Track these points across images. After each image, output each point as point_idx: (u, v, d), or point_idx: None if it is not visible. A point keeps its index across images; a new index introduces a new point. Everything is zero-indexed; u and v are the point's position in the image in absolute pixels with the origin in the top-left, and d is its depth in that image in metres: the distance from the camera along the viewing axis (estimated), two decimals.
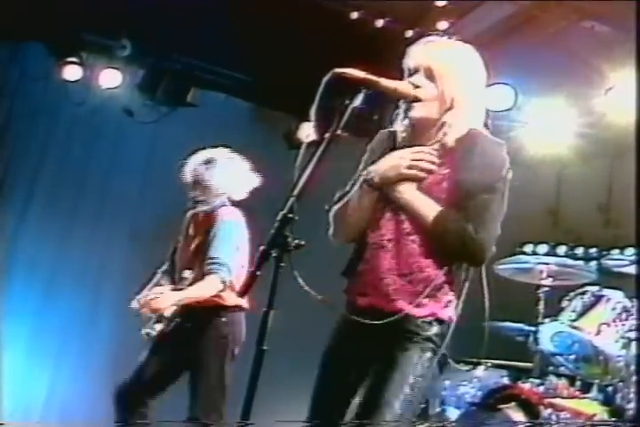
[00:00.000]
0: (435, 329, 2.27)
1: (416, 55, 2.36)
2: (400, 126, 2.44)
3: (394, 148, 2.41)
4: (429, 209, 2.25)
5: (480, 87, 2.40)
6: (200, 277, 3.85)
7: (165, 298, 3.78)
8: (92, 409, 5.67)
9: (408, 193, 2.28)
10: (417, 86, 2.30)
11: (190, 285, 3.85)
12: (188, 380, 3.84)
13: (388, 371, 2.22)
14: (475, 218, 2.22)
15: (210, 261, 3.84)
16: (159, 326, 3.82)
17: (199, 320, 3.85)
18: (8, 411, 5.50)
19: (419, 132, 2.38)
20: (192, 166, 4.07)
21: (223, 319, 3.86)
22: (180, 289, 3.88)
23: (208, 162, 4.05)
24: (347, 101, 2.18)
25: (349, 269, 2.42)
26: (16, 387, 5.62)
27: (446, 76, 2.31)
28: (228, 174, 4.05)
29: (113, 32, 5.70)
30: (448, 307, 2.30)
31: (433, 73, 2.31)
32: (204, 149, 4.15)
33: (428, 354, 2.25)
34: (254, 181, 4.11)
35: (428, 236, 2.25)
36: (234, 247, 3.90)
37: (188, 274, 3.90)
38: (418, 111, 2.32)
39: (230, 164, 4.08)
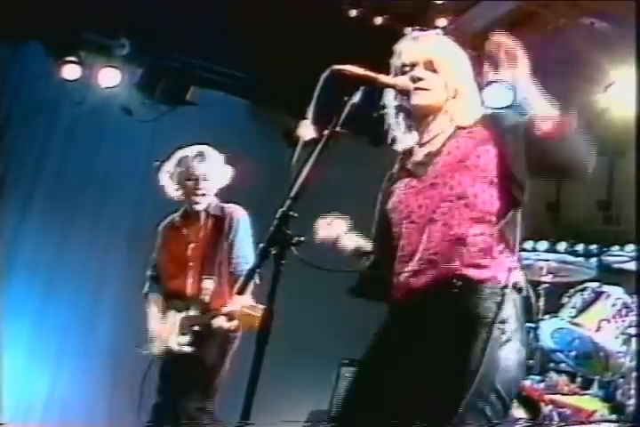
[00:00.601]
0: (503, 298, 2.11)
1: (410, 50, 2.37)
2: (399, 132, 2.42)
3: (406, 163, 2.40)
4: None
5: (471, 78, 2.42)
6: (229, 281, 3.82)
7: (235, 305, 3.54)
8: (91, 410, 5.69)
9: None
10: (419, 79, 2.31)
11: (214, 292, 3.82)
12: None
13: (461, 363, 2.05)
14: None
15: (241, 260, 3.82)
16: (185, 339, 3.79)
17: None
18: (8, 412, 5.49)
19: (424, 125, 2.37)
20: (184, 162, 3.97)
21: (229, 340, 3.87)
22: (198, 300, 3.83)
23: (200, 155, 3.97)
24: (346, 98, 2.17)
25: (386, 255, 2.34)
26: (16, 388, 5.61)
27: (448, 66, 2.33)
28: (219, 167, 4.00)
29: (112, 31, 5.69)
30: (512, 272, 2.18)
31: (434, 65, 2.32)
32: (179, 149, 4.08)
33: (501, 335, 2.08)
34: (230, 174, 4.04)
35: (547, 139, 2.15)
36: (252, 245, 3.88)
37: (209, 284, 3.83)
38: (421, 98, 2.32)
39: (217, 156, 4.02)
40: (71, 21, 5.54)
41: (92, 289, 5.96)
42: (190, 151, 4.01)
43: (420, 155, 2.37)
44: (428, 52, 2.34)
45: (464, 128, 2.32)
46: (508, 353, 2.10)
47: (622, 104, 5.30)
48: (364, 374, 2.32)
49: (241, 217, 3.96)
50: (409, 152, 2.42)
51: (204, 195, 3.96)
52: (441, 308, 2.17)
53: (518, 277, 2.20)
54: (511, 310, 2.14)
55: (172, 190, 4.02)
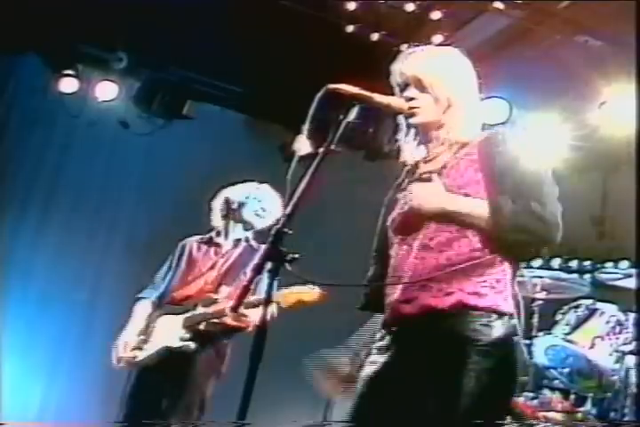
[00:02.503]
0: (498, 326, 2.10)
1: (401, 70, 2.37)
2: (409, 146, 2.42)
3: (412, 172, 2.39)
4: (477, 206, 2.16)
5: (471, 85, 2.40)
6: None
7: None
8: (85, 418, 5.67)
9: (442, 202, 2.19)
10: (410, 99, 2.32)
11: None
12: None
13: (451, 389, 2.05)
14: (532, 194, 2.13)
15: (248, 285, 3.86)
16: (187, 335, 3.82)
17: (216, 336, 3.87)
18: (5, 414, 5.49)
19: (426, 140, 2.38)
20: (240, 191, 4.10)
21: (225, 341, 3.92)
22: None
23: (256, 188, 4.10)
24: (341, 116, 2.19)
25: (377, 281, 2.34)
26: (11, 396, 5.61)
27: (436, 82, 2.32)
28: (275, 199, 4.05)
29: (109, 44, 5.72)
30: (508, 301, 2.16)
31: (423, 83, 2.32)
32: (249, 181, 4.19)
33: (492, 360, 2.07)
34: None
35: (487, 231, 2.13)
36: None
37: (224, 289, 3.90)
38: (417, 118, 2.33)
39: (274, 192, 4.08)
40: (69, 34, 5.57)
41: (87, 299, 5.97)
42: (250, 184, 4.14)
43: (423, 170, 2.37)
44: (416, 71, 2.33)
45: (465, 146, 2.31)
46: (500, 377, 2.10)
47: (616, 121, 5.33)
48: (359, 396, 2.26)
49: None
50: (415, 165, 2.42)
51: (259, 217, 4.06)
52: (432, 335, 2.14)
53: (513, 305, 2.18)
54: (505, 336, 2.12)
55: (219, 218, 4.14)
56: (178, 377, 3.82)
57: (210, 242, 4.13)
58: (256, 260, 3.84)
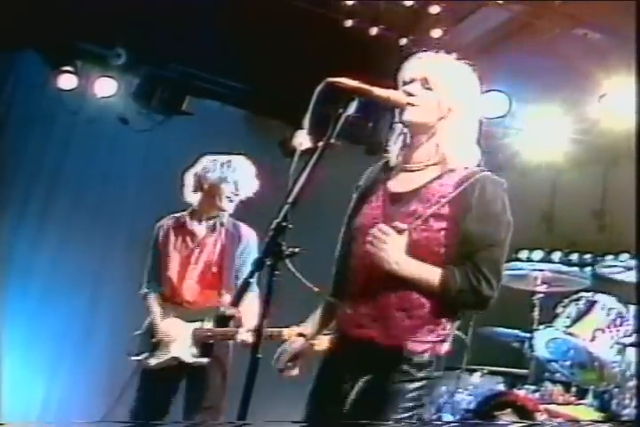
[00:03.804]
0: (430, 363, 2.23)
1: (411, 67, 2.36)
2: (395, 147, 2.41)
3: (386, 177, 2.39)
4: (429, 273, 2.21)
5: (474, 103, 2.38)
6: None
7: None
8: (88, 415, 5.67)
9: (400, 266, 2.22)
10: (411, 94, 2.30)
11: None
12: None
13: (378, 401, 2.20)
14: (486, 272, 2.23)
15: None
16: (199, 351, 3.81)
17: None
18: (6, 414, 5.50)
19: (414, 146, 2.36)
20: (212, 167, 3.95)
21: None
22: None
23: (230, 162, 3.96)
24: (340, 110, 2.19)
25: (340, 295, 2.38)
26: (12, 395, 5.61)
27: (442, 85, 2.31)
28: (250, 177, 3.97)
29: (108, 41, 5.71)
30: (445, 342, 2.28)
31: (429, 83, 2.31)
32: (210, 153, 4.07)
33: (420, 384, 2.22)
34: (255, 187, 4.01)
35: (435, 297, 2.22)
36: None
37: (228, 298, 3.86)
38: (412, 115, 2.30)
39: (249, 166, 4.00)
40: (67, 31, 5.56)
41: (88, 296, 5.98)
42: (221, 158, 3.99)
43: (399, 181, 2.35)
44: (426, 70, 2.33)
45: (444, 175, 2.29)
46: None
47: (616, 114, 5.33)
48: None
49: (254, 242, 3.96)
50: (390, 169, 2.41)
51: (231, 201, 3.95)
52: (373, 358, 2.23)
53: (448, 345, 2.29)
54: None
55: (190, 193, 4.00)
56: (190, 385, 3.83)
57: (184, 227, 4.00)
58: (242, 246, 3.90)
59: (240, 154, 4.07)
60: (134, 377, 3.87)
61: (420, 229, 2.22)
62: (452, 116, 2.31)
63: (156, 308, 3.92)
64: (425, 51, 2.44)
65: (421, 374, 2.21)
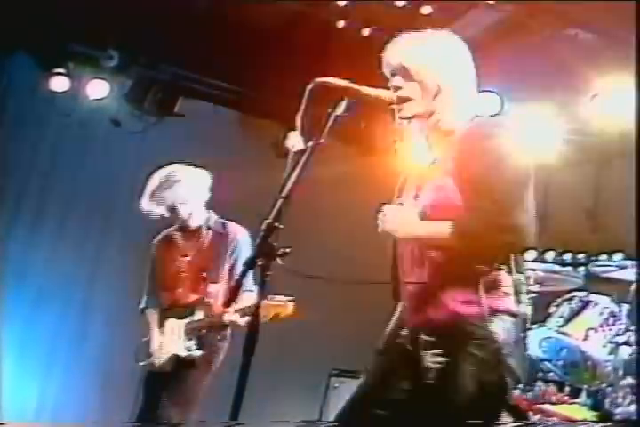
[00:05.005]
0: (494, 324, 2.14)
1: (389, 58, 2.34)
2: (419, 145, 2.40)
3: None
4: (442, 226, 2.15)
5: (463, 69, 2.34)
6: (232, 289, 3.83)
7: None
8: (82, 416, 5.67)
9: (407, 227, 2.22)
10: (397, 88, 2.29)
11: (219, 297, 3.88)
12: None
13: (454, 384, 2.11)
14: (502, 208, 2.14)
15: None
16: (192, 344, 3.86)
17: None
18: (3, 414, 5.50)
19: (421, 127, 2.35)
20: (155, 193, 3.97)
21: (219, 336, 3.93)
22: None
23: (164, 182, 3.97)
24: (329, 110, 2.19)
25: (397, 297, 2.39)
26: (7, 396, 5.61)
27: (422, 69, 2.27)
28: (190, 186, 4.00)
29: (100, 43, 5.70)
30: (503, 299, 2.18)
31: (409, 71, 2.28)
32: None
33: (487, 352, 2.11)
34: (207, 181, 4.04)
35: (462, 246, 2.14)
36: None
37: (214, 288, 3.90)
38: (407, 110, 2.30)
39: (185, 174, 4.03)
40: (59, 33, 5.55)
41: (82, 296, 5.98)
42: (156, 180, 4.00)
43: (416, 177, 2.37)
44: (402, 59, 2.30)
45: (450, 134, 2.28)
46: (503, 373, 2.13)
47: (608, 114, 5.34)
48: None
49: (244, 238, 3.98)
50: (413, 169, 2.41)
51: (190, 214, 3.99)
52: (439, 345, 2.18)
53: (512, 302, 2.20)
54: (506, 333, 2.15)
55: (159, 213, 4.03)
56: (182, 380, 3.85)
57: (172, 241, 4.09)
58: (232, 245, 3.92)
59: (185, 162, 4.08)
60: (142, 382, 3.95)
61: (433, 189, 2.22)
62: (445, 92, 2.28)
63: (154, 324, 4.00)
64: (398, 35, 2.39)
65: (485, 331, 2.12)
